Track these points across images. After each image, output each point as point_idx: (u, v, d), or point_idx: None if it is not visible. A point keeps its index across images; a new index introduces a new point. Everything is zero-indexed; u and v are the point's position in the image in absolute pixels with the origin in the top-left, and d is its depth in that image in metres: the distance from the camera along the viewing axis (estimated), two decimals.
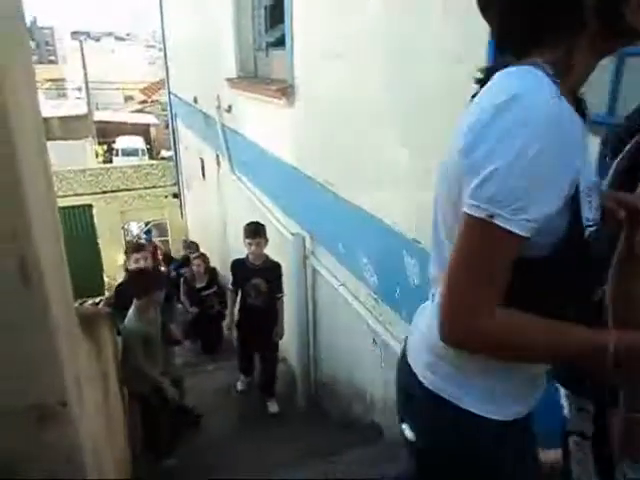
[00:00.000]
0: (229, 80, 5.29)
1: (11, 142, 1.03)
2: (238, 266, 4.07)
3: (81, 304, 2.70)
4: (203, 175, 8.13)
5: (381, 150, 2.66)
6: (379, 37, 2.59)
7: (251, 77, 5.20)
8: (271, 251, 4.01)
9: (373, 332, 3.06)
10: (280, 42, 4.28)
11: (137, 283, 3.39)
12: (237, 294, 4.09)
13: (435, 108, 2.20)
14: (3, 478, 1.26)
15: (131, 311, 3.23)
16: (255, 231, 3.91)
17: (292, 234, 4.02)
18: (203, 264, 5.84)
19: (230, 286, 4.13)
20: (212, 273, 6.00)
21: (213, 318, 5.65)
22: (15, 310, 1.11)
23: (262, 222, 4.70)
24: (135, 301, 3.24)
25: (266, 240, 3.94)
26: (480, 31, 1.83)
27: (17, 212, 1.05)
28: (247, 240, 3.88)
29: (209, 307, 5.74)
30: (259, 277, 3.93)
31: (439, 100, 2.17)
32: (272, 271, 3.98)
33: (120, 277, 5.99)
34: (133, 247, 4.82)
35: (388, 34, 2.51)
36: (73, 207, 12.30)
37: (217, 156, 6.76)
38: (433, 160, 2.21)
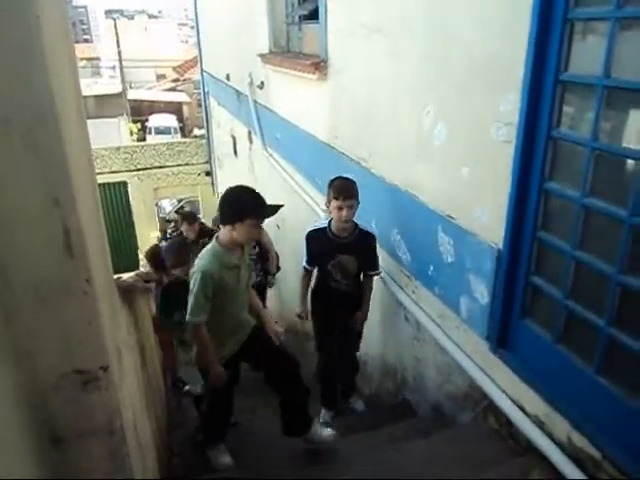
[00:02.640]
0: (261, 56, 5.26)
1: (54, 110, 1.04)
2: (317, 238, 3.06)
3: (117, 279, 2.70)
4: (235, 152, 8.16)
5: (417, 126, 2.61)
6: (418, 9, 2.52)
7: (284, 52, 5.15)
8: (305, 229, 3.94)
9: (405, 309, 3.05)
10: (313, 15, 4.21)
11: (235, 201, 2.44)
12: (311, 276, 3.23)
13: (476, 83, 2.14)
14: (47, 441, 1.31)
15: (208, 247, 2.48)
16: (349, 189, 2.85)
17: (324, 211, 3.93)
18: None
19: (304, 264, 3.17)
20: None
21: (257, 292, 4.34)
22: (59, 277, 1.14)
23: (296, 199, 4.70)
24: (220, 231, 2.47)
25: (358, 203, 2.90)
26: (523, 4, 1.78)
27: (60, 180, 1.07)
28: (336, 202, 2.82)
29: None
30: (347, 253, 2.97)
31: (480, 74, 2.11)
32: (364, 244, 3.00)
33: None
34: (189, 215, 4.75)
35: (428, 6, 2.45)
36: (109, 184, 12.54)
37: (249, 133, 6.77)
38: (472, 135, 2.18)
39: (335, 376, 3.34)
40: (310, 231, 3.10)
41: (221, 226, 2.46)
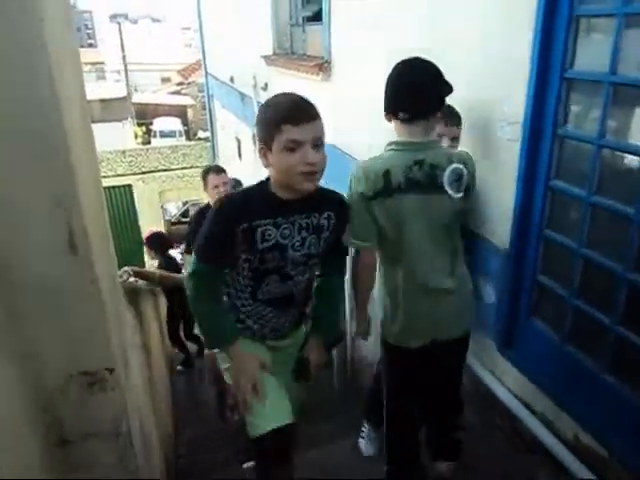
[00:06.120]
0: (265, 57, 5.27)
1: (58, 111, 1.04)
2: None
3: (123, 282, 2.66)
4: (239, 155, 8.17)
5: None
6: (420, 9, 2.52)
7: (287, 54, 5.16)
8: None
9: None
10: (317, 17, 4.22)
11: None
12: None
13: (479, 81, 2.13)
14: (54, 442, 1.31)
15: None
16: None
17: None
18: None
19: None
20: None
21: None
22: (64, 278, 1.14)
23: None
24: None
25: None
26: (528, 1, 1.77)
27: (64, 182, 1.07)
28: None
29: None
30: None
31: (484, 73, 2.10)
32: None
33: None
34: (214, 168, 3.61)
35: (430, 5, 2.44)
36: (114, 187, 12.57)
37: (253, 135, 6.77)
38: (477, 134, 2.17)
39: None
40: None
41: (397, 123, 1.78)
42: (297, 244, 1.54)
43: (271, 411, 1.54)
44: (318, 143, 1.42)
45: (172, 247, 5.06)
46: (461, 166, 1.75)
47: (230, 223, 1.44)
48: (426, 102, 1.74)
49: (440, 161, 1.74)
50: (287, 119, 1.38)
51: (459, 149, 2.05)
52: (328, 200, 1.62)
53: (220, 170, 3.62)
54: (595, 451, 1.79)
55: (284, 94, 1.48)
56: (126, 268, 2.59)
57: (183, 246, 3.84)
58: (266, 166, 1.48)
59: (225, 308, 1.64)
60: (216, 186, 3.40)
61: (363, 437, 2.54)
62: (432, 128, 1.78)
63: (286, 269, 1.56)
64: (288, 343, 1.76)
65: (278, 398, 1.59)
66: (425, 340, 1.85)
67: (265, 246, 1.48)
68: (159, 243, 4.77)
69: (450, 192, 1.74)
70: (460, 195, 1.77)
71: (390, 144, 1.79)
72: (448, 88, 1.77)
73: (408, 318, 1.82)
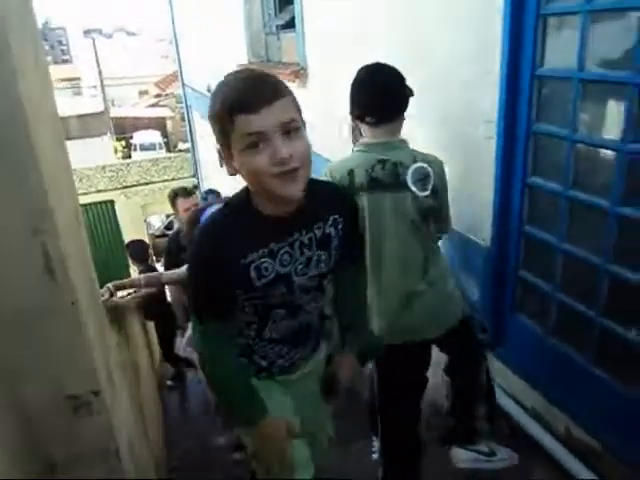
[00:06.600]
0: (241, 66, 5.26)
1: (29, 139, 1.03)
2: None
3: (111, 296, 2.57)
4: (221, 164, 8.15)
5: None
6: (391, 14, 2.54)
7: (263, 62, 5.16)
8: None
9: None
10: (290, 24, 4.23)
11: None
12: None
13: (453, 83, 2.15)
14: (42, 468, 1.29)
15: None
16: None
17: None
18: None
19: None
20: None
21: None
22: (43, 303, 1.12)
23: None
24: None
25: None
26: (495, 3, 1.79)
27: (39, 208, 1.06)
28: None
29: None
30: None
31: (457, 74, 2.12)
32: None
33: None
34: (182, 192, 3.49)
35: (401, 11, 2.46)
36: (96, 203, 12.48)
37: None
38: (453, 134, 2.18)
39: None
40: None
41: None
42: (300, 267, 1.22)
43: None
44: (290, 128, 1.05)
45: (149, 255, 5.07)
46: (425, 165, 1.75)
47: (214, 268, 1.13)
48: (390, 106, 1.78)
49: (404, 160, 1.75)
50: (239, 106, 1.01)
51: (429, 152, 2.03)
52: (330, 198, 1.26)
53: (188, 193, 3.54)
54: (588, 444, 1.80)
55: (235, 72, 1.14)
56: (108, 285, 2.55)
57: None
58: (232, 174, 1.17)
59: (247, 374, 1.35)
60: (187, 209, 3.33)
61: (374, 452, 2.45)
62: (398, 128, 1.82)
63: (294, 301, 1.26)
64: (301, 375, 1.45)
65: (303, 459, 1.37)
66: (398, 340, 1.81)
67: (264, 282, 1.18)
68: (140, 251, 4.78)
69: (414, 189, 1.74)
70: (426, 193, 1.76)
71: (357, 145, 1.83)
72: (409, 92, 1.82)
73: (379, 316, 1.82)
